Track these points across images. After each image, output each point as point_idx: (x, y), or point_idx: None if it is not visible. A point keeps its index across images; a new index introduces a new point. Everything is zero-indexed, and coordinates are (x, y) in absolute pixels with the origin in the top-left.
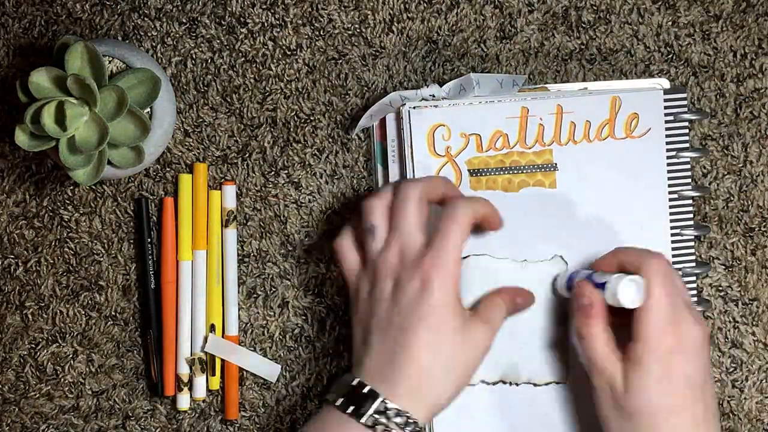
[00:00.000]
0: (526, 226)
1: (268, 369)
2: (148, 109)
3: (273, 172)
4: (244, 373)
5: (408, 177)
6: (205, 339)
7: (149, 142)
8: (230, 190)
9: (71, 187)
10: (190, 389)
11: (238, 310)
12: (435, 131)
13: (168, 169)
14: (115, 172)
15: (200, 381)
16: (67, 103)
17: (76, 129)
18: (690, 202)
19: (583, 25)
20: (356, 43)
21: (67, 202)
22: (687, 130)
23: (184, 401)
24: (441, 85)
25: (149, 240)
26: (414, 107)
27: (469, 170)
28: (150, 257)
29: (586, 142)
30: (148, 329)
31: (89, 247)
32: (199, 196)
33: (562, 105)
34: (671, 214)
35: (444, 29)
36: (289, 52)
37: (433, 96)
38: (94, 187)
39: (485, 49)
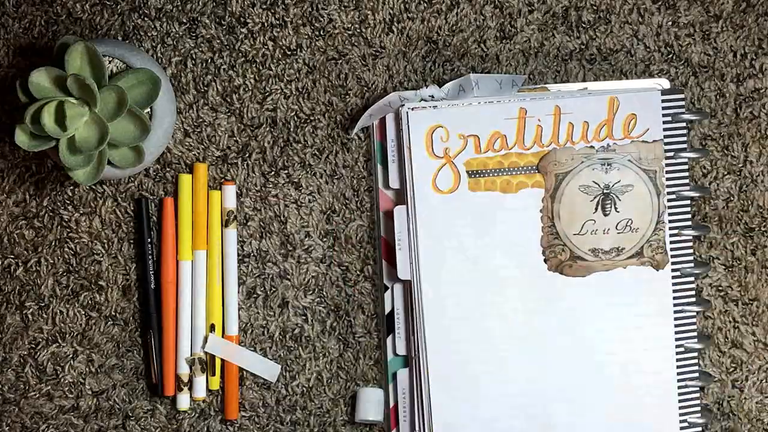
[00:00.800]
0: (525, 227)
1: (268, 369)
2: (148, 109)
3: (273, 172)
4: (244, 373)
5: (407, 178)
6: (205, 339)
7: (149, 142)
8: (230, 190)
9: (71, 187)
10: (190, 389)
11: (238, 310)
12: (433, 132)
13: (168, 169)
14: (115, 172)
15: (200, 381)
16: (67, 103)
17: (76, 129)
18: (688, 202)
19: (583, 25)
20: (356, 43)
21: (67, 202)
22: (685, 131)
23: (184, 401)
24: (440, 85)
25: (149, 240)
26: (412, 108)
27: (467, 171)
28: (150, 257)
29: (584, 143)
30: (149, 329)
31: (89, 247)
32: (199, 196)
33: (560, 106)
34: (670, 214)
35: (444, 29)
36: (289, 52)
37: (433, 96)
38: (94, 187)
39: (485, 49)
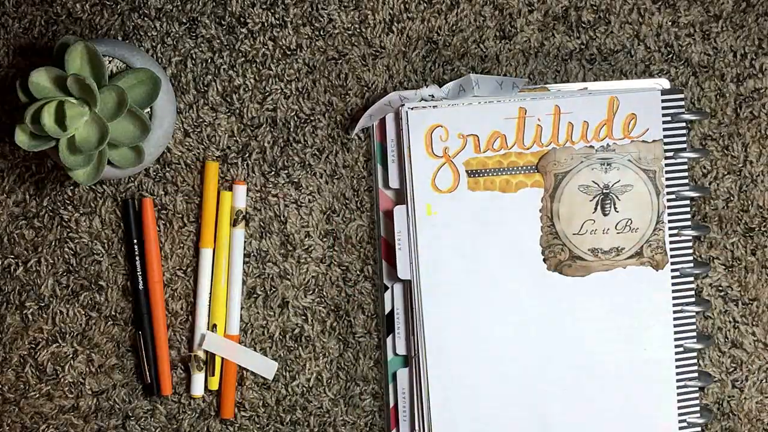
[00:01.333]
0: (524, 226)
1: (265, 366)
2: (148, 109)
3: (273, 172)
4: (245, 373)
5: (407, 178)
6: (203, 337)
7: (149, 142)
8: (241, 189)
9: (71, 187)
10: (188, 388)
11: (239, 310)
12: (433, 132)
13: (168, 169)
14: (115, 172)
15: (198, 378)
16: (67, 103)
17: (76, 129)
18: (688, 202)
19: (583, 25)
20: (356, 43)
21: (67, 202)
22: (685, 131)
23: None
24: (440, 85)
25: (135, 241)
26: (412, 108)
27: (466, 171)
28: (137, 258)
29: (583, 143)
30: (138, 331)
31: (89, 247)
32: (208, 194)
33: (560, 105)
34: (669, 214)
35: (444, 29)
36: (289, 52)
37: (433, 96)
38: (94, 187)
39: (485, 49)
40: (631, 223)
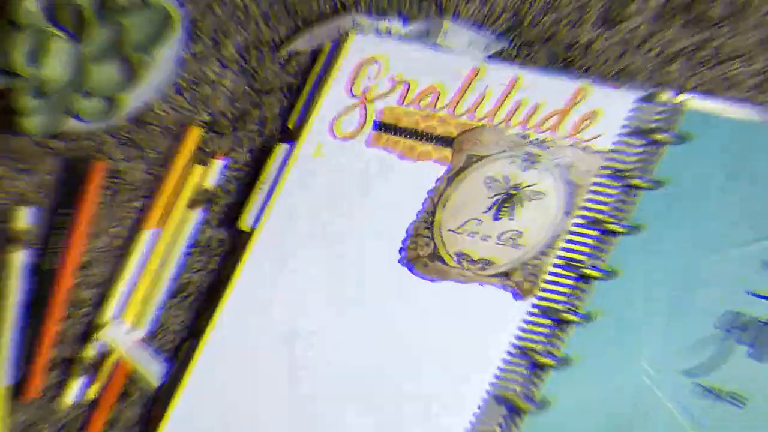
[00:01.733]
0: (403, 204)
1: (154, 367)
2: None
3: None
4: (132, 387)
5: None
6: (97, 326)
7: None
8: (217, 165)
9: (17, 137)
10: (60, 394)
11: (160, 308)
12: (366, 65)
13: (141, 130)
14: (76, 125)
15: (75, 383)
16: (53, 36)
17: (50, 67)
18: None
19: (707, 21)
20: (427, 8)
21: (4, 154)
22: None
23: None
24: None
25: (66, 211)
26: (360, 34)
27: (375, 121)
28: (56, 231)
29: (519, 128)
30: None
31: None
32: (177, 165)
33: (523, 77)
34: (568, 241)
35: (538, 4)
36: (342, 9)
37: (390, 32)
38: (45, 140)
39: (577, 36)
40: (519, 237)
